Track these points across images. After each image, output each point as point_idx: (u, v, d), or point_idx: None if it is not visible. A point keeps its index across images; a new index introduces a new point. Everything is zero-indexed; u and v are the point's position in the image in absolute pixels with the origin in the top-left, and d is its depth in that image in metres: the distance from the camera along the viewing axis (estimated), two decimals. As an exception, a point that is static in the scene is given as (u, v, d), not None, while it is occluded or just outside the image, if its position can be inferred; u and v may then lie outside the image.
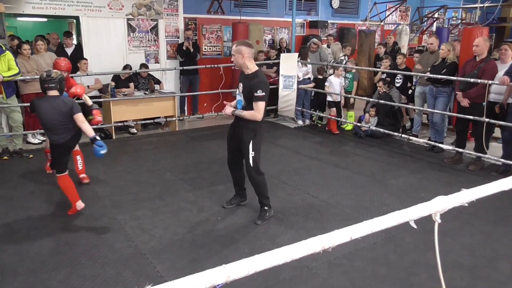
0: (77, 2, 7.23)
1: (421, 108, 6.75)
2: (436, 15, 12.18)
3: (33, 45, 6.92)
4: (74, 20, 9.78)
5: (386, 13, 11.35)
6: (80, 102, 4.87)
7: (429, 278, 3.08)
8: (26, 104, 6.12)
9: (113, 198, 4.58)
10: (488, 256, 3.46)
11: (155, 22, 8.22)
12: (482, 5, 7.85)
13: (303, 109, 8.29)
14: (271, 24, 9.77)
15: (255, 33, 8.93)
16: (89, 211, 4.21)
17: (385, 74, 7.40)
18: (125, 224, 3.95)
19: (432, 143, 6.37)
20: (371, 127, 7.06)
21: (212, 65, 8.02)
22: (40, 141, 6.69)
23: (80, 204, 4.10)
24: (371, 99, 7.25)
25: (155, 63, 8.36)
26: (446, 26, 12.74)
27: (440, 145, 6.13)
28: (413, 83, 7.18)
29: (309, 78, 8.19)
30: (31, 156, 5.99)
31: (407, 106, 7.03)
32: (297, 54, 8.17)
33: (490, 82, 5.22)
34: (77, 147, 4.74)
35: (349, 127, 7.81)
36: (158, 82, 7.95)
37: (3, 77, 5.52)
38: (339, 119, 7.64)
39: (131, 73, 7.50)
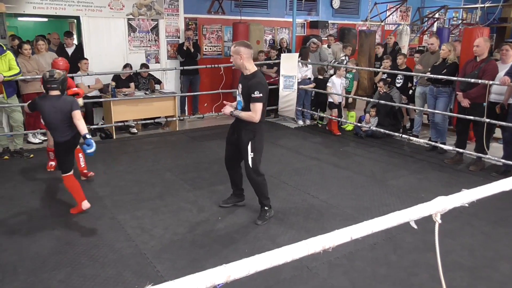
0: (78, 2, 7.23)
1: (421, 108, 6.75)
2: (436, 16, 12.18)
3: (34, 45, 6.93)
4: (75, 20, 9.78)
5: (387, 13, 11.35)
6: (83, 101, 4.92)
7: (430, 278, 3.08)
8: (26, 104, 6.12)
9: (114, 198, 4.58)
10: (489, 256, 3.46)
11: (156, 22, 8.23)
12: (482, 5, 7.85)
13: (304, 109, 8.29)
14: (271, 24, 9.77)
15: (255, 33, 8.93)
16: (90, 211, 4.20)
17: (385, 75, 7.40)
18: (125, 224, 3.95)
19: (433, 143, 6.36)
20: (371, 128, 7.06)
21: (213, 65, 8.02)
22: (41, 140, 6.69)
23: (85, 204, 4.11)
24: (371, 99, 7.25)
25: (156, 63, 8.36)
26: (447, 26, 12.75)
27: (442, 145, 6.11)
28: (414, 84, 7.18)
29: (309, 78, 8.19)
30: (31, 155, 5.99)
31: (408, 106, 7.02)
32: (297, 54, 8.17)
33: (491, 82, 5.22)
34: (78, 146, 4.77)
35: (349, 127, 7.81)
36: (158, 82, 7.96)
37: (4, 76, 5.52)
38: (340, 119, 7.62)
39: (131, 73, 7.50)
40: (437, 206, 1.55)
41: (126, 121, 7.34)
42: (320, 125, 8.20)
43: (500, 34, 13.46)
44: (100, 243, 3.59)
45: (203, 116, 8.31)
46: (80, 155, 5.00)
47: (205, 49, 8.92)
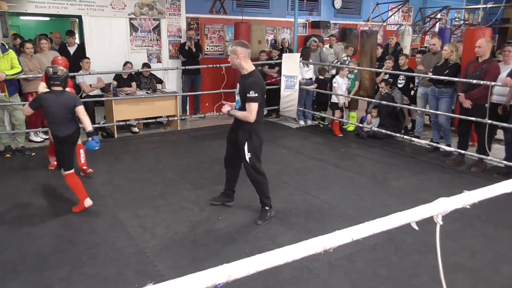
0: (80, 1, 7.23)
1: (423, 109, 6.74)
2: (438, 16, 12.16)
3: (37, 44, 6.95)
4: (77, 19, 9.78)
5: (389, 14, 11.33)
6: (82, 101, 4.96)
7: (431, 280, 3.07)
8: (28, 104, 6.13)
9: (115, 197, 4.58)
10: (490, 258, 3.46)
11: (158, 22, 8.23)
12: (485, 6, 7.83)
13: (305, 110, 8.29)
14: (273, 24, 9.77)
15: (257, 33, 8.93)
16: (91, 210, 4.21)
17: (387, 75, 7.39)
18: (126, 223, 3.96)
19: (435, 144, 6.35)
20: (373, 128, 7.05)
21: (214, 65, 8.02)
22: (43, 139, 6.70)
23: (88, 202, 4.14)
24: (373, 100, 7.24)
25: (157, 62, 8.37)
26: (449, 27, 12.72)
27: (446, 147, 6.09)
28: (415, 84, 7.17)
29: (310, 79, 8.18)
30: (33, 154, 6.01)
31: (409, 107, 7.01)
32: (299, 54, 8.16)
33: (493, 83, 5.21)
34: (80, 141, 4.81)
35: (351, 127, 7.80)
36: (160, 81, 7.96)
37: (6, 75, 5.53)
38: (343, 120, 7.61)
39: (132, 71, 7.50)
40: (438, 208, 1.55)
41: (128, 120, 7.35)
42: (321, 125, 8.19)
43: (503, 35, 13.43)
44: (101, 242, 3.60)
45: (204, 115, 8.31)
46: (81, 151, 5.08)
47: (207, 49, 8.92)
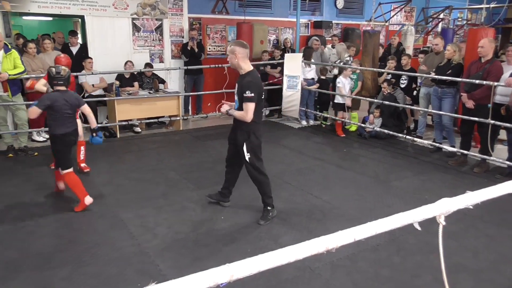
0: (82, 1, 7.25)
1: (425, 109, 6.72)
2: (441, 16, 12.13)
3: (40, 43, 6.97)
4: (79, 19, 9.81)
5: (391, 14, 11.31)
6: (85, 101, 5.00)
7: (433, 280, 3.06)
8: (31, 102, 6.14)
9: (117, 197, 4.59)
10: (493, 259, 3.44)
11: (160, 22, 8.24)
12: (488, 5, 7.80)
13: (307, 110, 8.28)
14: (275, 24, 9.77)
15: (259, 33, 8.93)
16: (93, 209, 4.22)
17: (390, 75, 7.38)
18: (128, 223, 3.96)
19: (437, 144, 6.34)
20: (375, 128, 7.04)
21: (217, 65, 8.02)
22: (45, 139, 6.72)
23: (88, 199, 4.16)
24: (375, 100, 7.23)
25: (160, 62, 8.38)
26: (452, 27, 12.69)
27: (449, 148, 6.07)
28: (418, 84, 7.15)
29: (312, 79, 8.18)
30: (36, 153, 6.02)
31: (412, 107, 7.00)
32: (301, 54, 8.16)
33: (496, 83, 5.19)
34: (81, 138, 4.89)
35: (353, 128, 7.79)
36: (162, 81, 7.97)
37: (9, 75, 5.55)
38: (346, 120, 7.58)
39: (134, 71, 7.51)
40: (441, 208, 1.54)
41: (130, 120, 7.36)
42: (324, 126, 8.18)
43: (505, 35, 13.38)
44: (103, 242, 3.60)
45: (206, 115, 8.32)
46: (82, 148, 5.19)
47: (209, 49, 8.93)
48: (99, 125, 6.98)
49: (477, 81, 5.35)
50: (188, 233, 3.79)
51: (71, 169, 4.20)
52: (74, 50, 7.51)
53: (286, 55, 8.29)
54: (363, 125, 7.38)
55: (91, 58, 7.15)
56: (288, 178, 5.24)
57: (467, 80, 5.53)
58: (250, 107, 3.71)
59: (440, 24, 12.39)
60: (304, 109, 8.26)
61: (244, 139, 3.86)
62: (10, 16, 7.29)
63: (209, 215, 4.16)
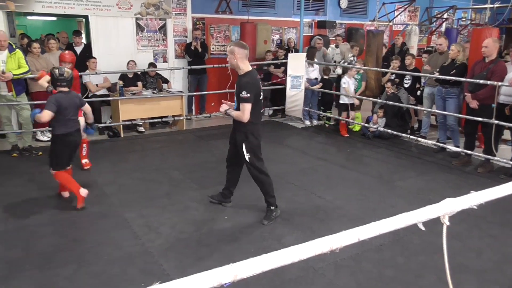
0: (86, 1, 7.27)
1: (429, 109, 6.71)
2: (445, 16, 12.09)
3: (45, 43, 7.01)
4: (83, 19, 9.84)
5: (395, 14, 11.28)
6: (89, 100, 5.10)
7: (437, 280, 3.05)
8: (35, 102, 6.19)
9: (121, 196, 4.60)
10: (497, 259, 3.43)
11: (164, 22, 8.25)
12: (492, 5, 7.77)
13: (311, 109, 8.27)
14: (279, 24, 9.76)
15: (263, 33, 8.93)
16: (97, 209, 4.23)
17: (393, 75, 7.36)
18: (132, 222, 3.97)
19: (441, 145, 6.31)
20: (379, 128, 7.02)
21: (220, 65, 8.03)
22: (49, 138, 6.69)
23: (83, 191, 4.21)
24: (379, 100, 7.21)
25: (163, 62, 8.39)
26: (455, 26, 12.65)
27: (453, 148, 6.05)
28: (422, 84, 7.13)
29: (316, 79, 8.17)
30: (40, 153, 6.04)
31: (416, 107, 6.98)
32: (304, 54, 8.15)
33: (500, 83, 5.17)
34: (84, 136, 4.96)
35: (356, 128, 7.78)
36: (166, 81, 7.98)
37: (13, 75, 5.57)
38: (350, 120, 7.56)
39: (138, 70, 7.52)
40: (445, 208, 1.54)
41: (134, 119, 7.38)
42: (327, 125, 8.17)
43: (510, 35, 13.31)
44: (106, 241, 3.61)
45: (210, 115, 8.32)
46: (84, 145, 5.32)
47: (213, 48, 8.93)
48: (102, 124, 7.09)
49: (481, 81, 5.33)
50: (191, 233, 3.79)
51: (59, 170, 4.27)
52: (78, 50, 7.54)
53: (290, 55, 8.28)
54: (366, 125, 7.37)
55: (95, 58, 7.18)
56: (292, 178, 5.24)
57: (471, 80, 5.51)
58: (247, 107, 3.73)
59: (444, 24, 12.35)
60: (307, 109, 8.25)
61: (242, 140, 3.89)
62: (15, 16, 7.31)
63: (212, 215, 4.16)
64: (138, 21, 7.95)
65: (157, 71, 7.83)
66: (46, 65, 6.43)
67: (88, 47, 7.67)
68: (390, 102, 6.85)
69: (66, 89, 4.21)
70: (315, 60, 8.24)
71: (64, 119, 4.15)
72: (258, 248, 3.51)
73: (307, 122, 8.31)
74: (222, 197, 4.37)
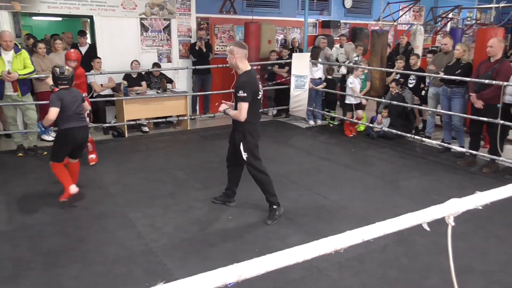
0: (91, 1, 7.30)
1: (434, 109, 6.68)
2: (450, 15, 12.04)
3: (51, 43, 7.05)
4: (88, 20, 9.88)
5: (400, 13, 11.25)
6: (93, 100, 5.12)
7: (442, 281, 3.04)
8: (41, 102, 6.22)
9: (125, 196, 4.62)
10: (502, 260, 3.41)
11: (168, 22, 8.27)
12: (497, 5, 7.73)
13: (315, 109, 8.26)
14: (283, 23, 9.76)
15: (267, 32, 8.93)
16: (101, 209, 4.25)
17: (398, 75, 7.34)
18: (136, 222, 3.98)
19: (446, 145, 6.29)
20: (383, 128, 7.00)
21: (224, 65, 8.00)
22: (54, 138, 6.76)
23: (73, 188, 4.28)
24: (383, 100, 7.19)
25: (168, 62, 8.40)
26: (460, 26, 12.59)
27: (458, 148, 6.02)
28: (426, 84, 7.10)
29: (320, 78, 8.16)
30: (45, 153, 6.06)
31: (420, 107, 6.95)
32: (309, 54, 8.14)
33: (505, 83, 5.14)
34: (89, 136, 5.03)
35: (361, 128, 7.76)
36: (170, 81, 8.00)
37: (19, 75, 5.60)
38: (355, 121, 7.53)
39: (142, 70, 7.54)
40: (450, 209, 1.53)
41: (138, 119, 7.40)
42: (331, 125, 8.16)
43: (515, 35, 13.23)
44: (111, 241, 3.62)
45: (214, 115, 8.32)
46: (89, 144, 5.36)
47: (217, 48, 8.94)
48: (107, 124, 7.12)
49: (487, 81, 5.30)
50: (195, 233, 3.80)
51: (57, 163, 4.35)
52: (83, 50, 7.57)
53: (294, 54, 8.28)
54: (371, 125, 7.35)
55: (99, 58, 7.21)
56: (296, 178, 5.23)
57: (477, 80, 5.48)
58: (243, 106, 3.75)
59: (449, 24, 12.29)
60: (311, 108, 8.24)
61: (240, 139, 3.92)
62: (20, 16, 7.36)
63: (216, 215, 4.17)
64: (142, 21, 7.97)
65: (161, 71, 7.86)
66: (51, 65, 6.45)
67: (93, 47, 7.70)
68: (395, 102, 6.83)
69: (66, 87, 4.29)
70: (319, 60, 8.22)
71: (67, 115, 4.22)
72: (262, 248, 3.51)
73: (311, 122, 8.30)
74: (225, 197, 4.38)
